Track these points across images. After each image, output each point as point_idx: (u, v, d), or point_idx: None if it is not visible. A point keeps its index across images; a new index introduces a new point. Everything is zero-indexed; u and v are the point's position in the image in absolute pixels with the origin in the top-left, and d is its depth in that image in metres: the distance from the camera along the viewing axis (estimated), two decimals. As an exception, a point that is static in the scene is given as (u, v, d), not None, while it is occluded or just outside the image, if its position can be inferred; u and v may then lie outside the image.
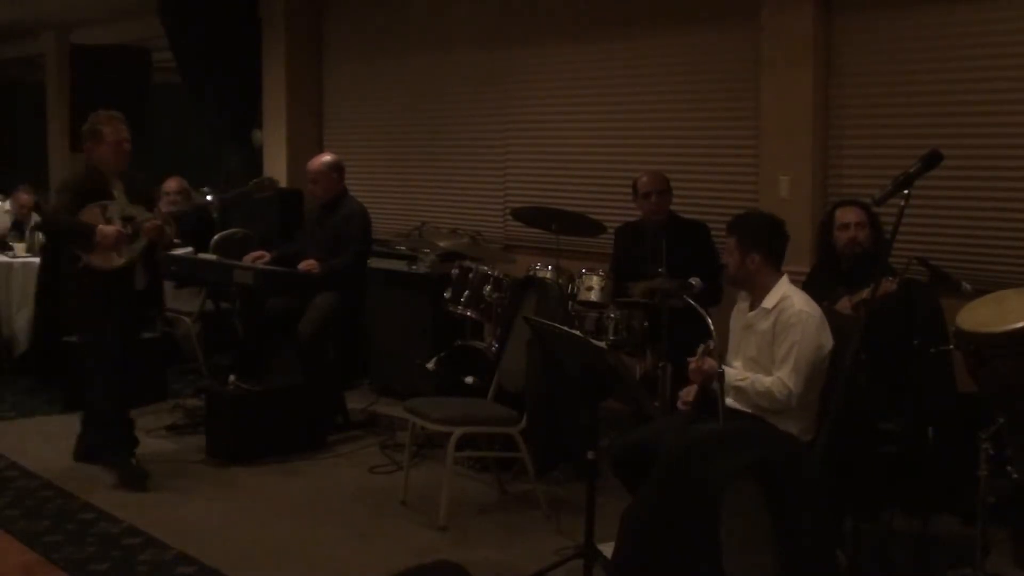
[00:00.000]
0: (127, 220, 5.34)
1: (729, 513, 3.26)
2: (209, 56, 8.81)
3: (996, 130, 5.27)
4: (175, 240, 5.94)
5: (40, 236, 7.89)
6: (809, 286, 4.70)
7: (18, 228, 8.44)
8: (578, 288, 5.55)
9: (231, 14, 8.77)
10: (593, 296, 5.49)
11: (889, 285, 4.28)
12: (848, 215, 4.89)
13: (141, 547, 4.52)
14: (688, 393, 4.24)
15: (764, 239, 4.21)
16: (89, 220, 5.26)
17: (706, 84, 6.37)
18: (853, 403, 3.93)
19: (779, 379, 4.00)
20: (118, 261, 5.31)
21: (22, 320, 7.49)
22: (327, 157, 6.48)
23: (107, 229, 5.25)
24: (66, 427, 6.36)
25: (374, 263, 6.75)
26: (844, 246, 4.87)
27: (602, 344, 4.19)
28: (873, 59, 5.67)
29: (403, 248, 7.14)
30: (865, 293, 4.49)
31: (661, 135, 6.60)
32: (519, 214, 6.37)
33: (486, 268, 5.83)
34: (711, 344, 4.11)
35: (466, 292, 5.81)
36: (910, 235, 5.11)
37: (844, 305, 4.56)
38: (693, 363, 4.16)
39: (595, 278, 5.53)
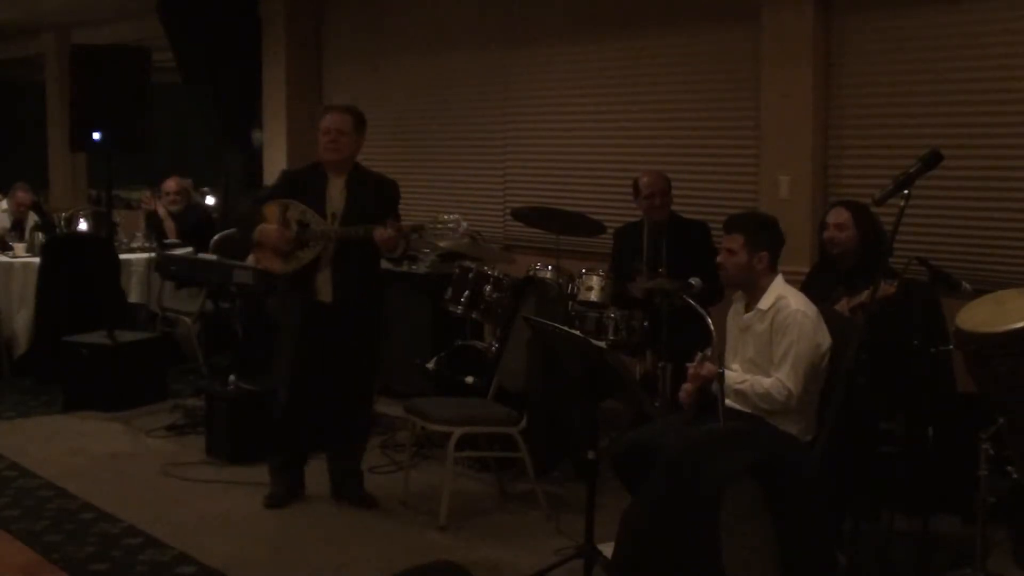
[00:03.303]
0: (303, 226, 4.85)
1: (729, 513, 3.26)
2: (209, 56, 8.82)
3: (996, 130, 5.27)
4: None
5: (40, 236, 7.90)
6: (808, 287, 4.70)
7: (17, 228, 8.44)
8: (578, 288, 5.54)
9: (231, 14, 8.78)
10: (593, 296, 5.48)
11: (888, 288, 4.28)
12: (832, 216, 4.91)
13: (141, 547, 4.52)
14: (687, 391, 4.23)
15: (770, 239, 4.22)
16: (268, 217, 4.87)
17: (706, 84, 6.37)
18: (853, 403, 3.94)
19: (778, 380, 4.00)
20: (284, 267, 4.90)
21: (22, 320, 7.48)
22: None
23: (267, 227, 4.86)
24: (66, 427, 6.38)
25: (374, 263, 6.74)
26: (825, 244, 4.92)
27: (602, 344, 4.19)
28: (873, 59, 5.67)
29: (403, 248, 7.13)
30: (864, 296, 4.49)
31: (661, 135, 6.60)
32: (519, 214, 6.37)
33: (486, 268, 5.83)
34: (709, 351, 4.11)
35: (466, 292, 5.80)
36: (910, 235, 5.11)
37: (842, 307, 4.56)
38: (692, 368, 4.16)
39: (595, 278, 5.52)
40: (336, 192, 4.91)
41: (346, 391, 5.04)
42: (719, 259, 4.26)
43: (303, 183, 4.99)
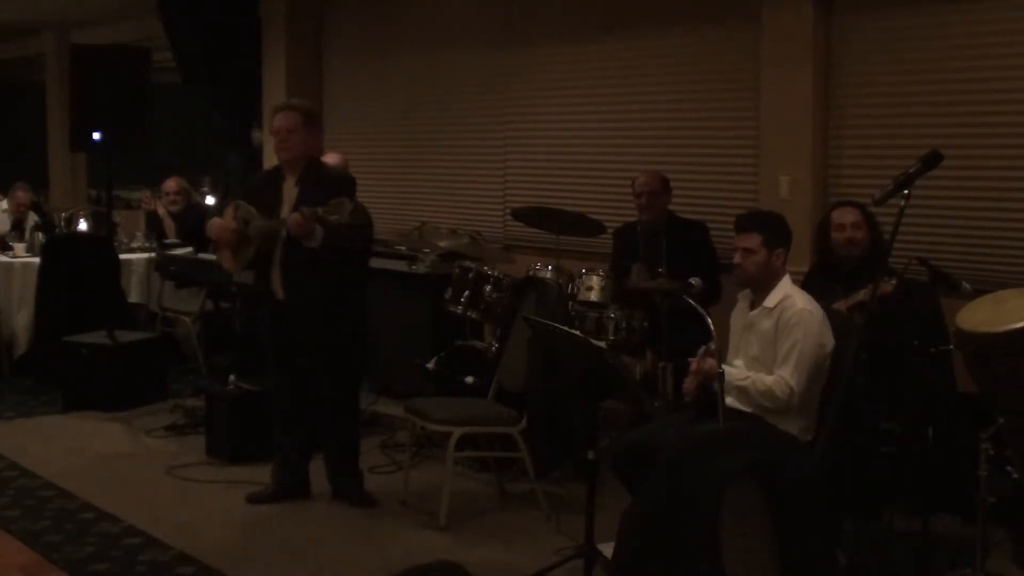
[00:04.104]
0: (245, 224, 4.93)
1: (729, 513, 3.26)
2: (209, 56, 8.82)
3: (996, 130, 5.27)
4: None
5: (40, 236, 7.90)
6: (806, 288, 4.68)
7: (17, 228, 8.45)
8: (578, 288, 5.54)
9: (231, 14, 8.78)
10: (593, 296, 5.48)
11: (886, 287, 4.28)
12: (844, 216, 4.88)
13: (141, 547, 4.52)
14: (690, 386, 4.23)
15: (786, 236, 4.22)
16: (226, 217, 4.99)
17: (706, 84, 6.37)
18: (853, 403, 3.94)
19: (781, 377, 4.00)
20: (233, 265, 5.06)
21: (22, 320, 7.49)
22: (340, 156, 6.49)
23: (213, 221, 5.02)
24: (66, 427, 6.39)
25: (374, 263, 6.71)
26: (841, 247, 4.87)
27: (602, 344, 4.19)
28: (873, 59, 5.67)
29: (403, 248, 7.13)
30: (861, 295, 4.49)
31: (661, 135, 6.60)
32: (519, 214, 6.36)
33: (486, 268, 5.83)
34: (712, 346, 4.11)
35: (466, 292, 5.80)
36: (910, 235, 5.11)
37: (840, 307, 4.56)
38: (694, 363, 4.15)
39: (595, 278, 5.52)
40: (289, 190, 4.95)
41: (322, 389, 5.05)
42: (735, 259, 4.22)
43: (265, 185, 5.07)
